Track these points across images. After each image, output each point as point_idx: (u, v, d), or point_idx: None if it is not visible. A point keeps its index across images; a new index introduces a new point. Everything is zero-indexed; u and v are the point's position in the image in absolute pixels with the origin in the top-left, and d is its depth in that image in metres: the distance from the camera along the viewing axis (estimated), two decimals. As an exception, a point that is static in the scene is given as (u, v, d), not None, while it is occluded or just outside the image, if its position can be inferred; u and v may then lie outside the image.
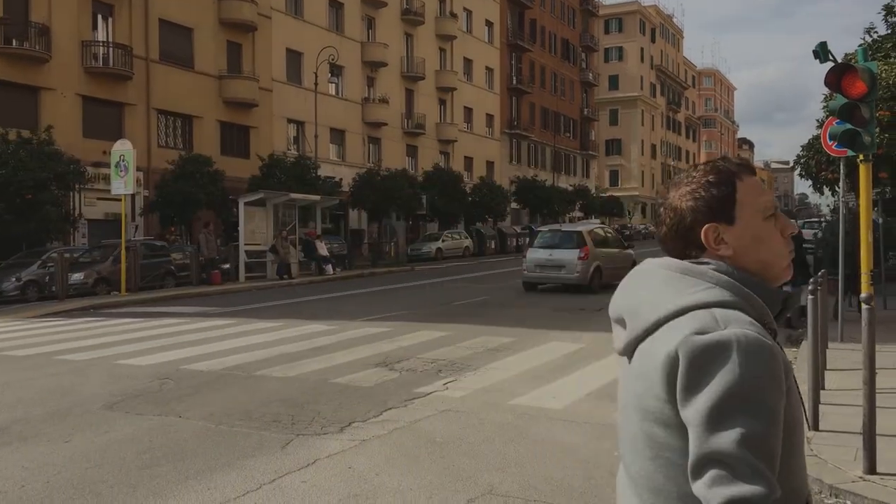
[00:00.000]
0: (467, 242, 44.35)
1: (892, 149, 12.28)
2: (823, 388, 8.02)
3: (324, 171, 37.48)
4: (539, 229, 26.53)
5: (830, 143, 11.35)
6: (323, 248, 30.19)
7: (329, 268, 29.93)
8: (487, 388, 8.93)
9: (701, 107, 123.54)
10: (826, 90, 13.43)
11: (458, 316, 15.79)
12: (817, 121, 15.80)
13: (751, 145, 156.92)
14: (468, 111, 57.13)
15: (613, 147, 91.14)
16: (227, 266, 27.07)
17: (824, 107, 14.45)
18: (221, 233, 30.70)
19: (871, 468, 5.56)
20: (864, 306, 5.72)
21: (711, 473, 1.34)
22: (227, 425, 7.38)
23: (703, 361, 1.39)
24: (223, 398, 8.55)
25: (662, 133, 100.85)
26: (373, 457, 6.36)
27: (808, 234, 38.13)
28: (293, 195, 29.03)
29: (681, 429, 1.42)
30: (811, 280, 8.08)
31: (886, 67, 12.45)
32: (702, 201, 1.58)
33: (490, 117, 60.40)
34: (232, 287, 24.51)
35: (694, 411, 1.38)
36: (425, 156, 50.22)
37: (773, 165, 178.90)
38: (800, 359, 10.08)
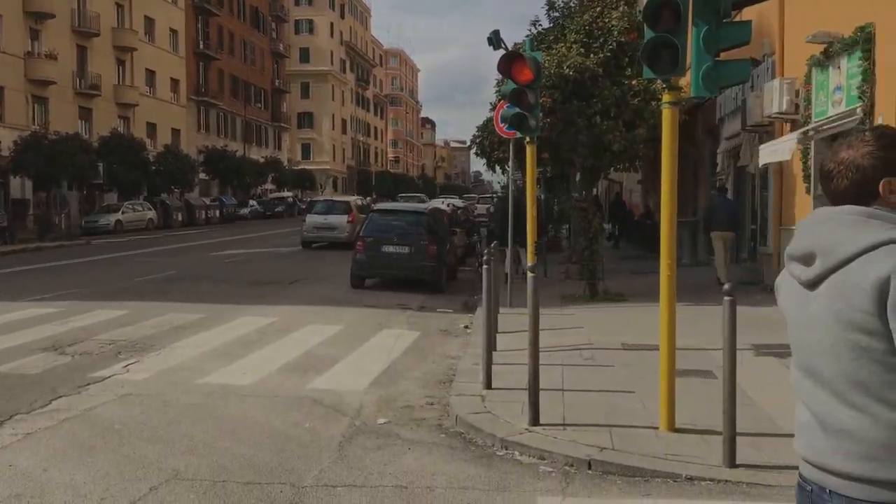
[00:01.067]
0: (151, 214, 41.60)
1: (552, 132, 13.70)
2: (496, 350, 8.75)
3: (-24, 132, 32.80)
4: (315, 199, 32.63)
5: (502, 125, 12.39)
6: (-24, 220, 26.50)
7: (-15, 242, 26.37)
8: (173, 368, 8.49)
9: (388, 85, 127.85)
10: (499, 75, 14.59)
11: (142, 293, 14.80)
12: (490, 104, 17.10)
13: (433, 124, 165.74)
14: (151, 74, 53.35)
15: (305, 120, 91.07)
16: None
17: (496, 91, 15.69)
18: None
19: (535, 420, 6.19)
20: (529, 274, 6.33)
21: None
22: None
23: None
24: None
25: (352, 109, 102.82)
26: (39, 451, 5.73)
27: (482, 208, 41.59)
28: (-64, 158, 25.07)
29: (884, 336, 1.85)
30: (486, 251, 8.75)
31: (549, 58, 13.82)
32: (880, 160, 1.97)
33: (175, 82, 57.00)
34: None
35: None
36: (102, 120, 46.04)
37: (452, 144, 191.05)
38: (475, 324, 10.91)
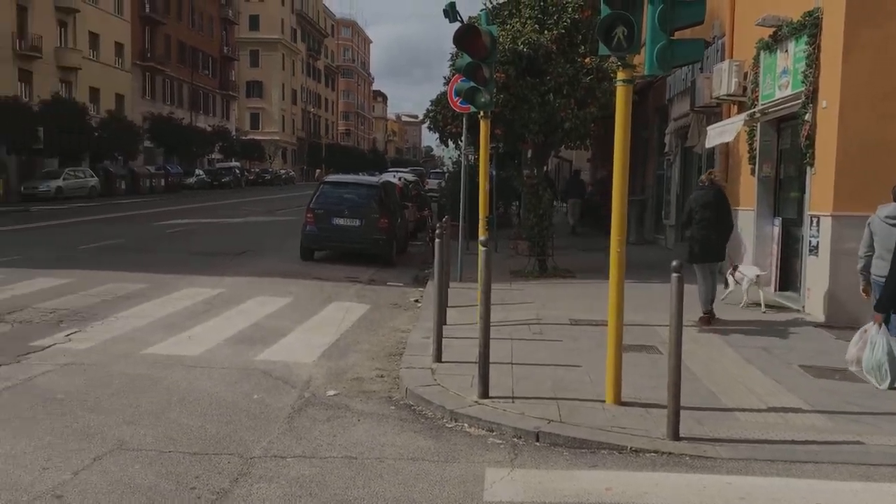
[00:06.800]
0: (93, 181, 40.50)
1: (506, 108, 13.69)
2: (445, 324, 8.79)
3: None
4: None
5: (456, 100, 12.33)
6: None
7: (-83, 207, 25.38)
8: (118, 338, 8.32)
9: (340, 56, 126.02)
10: (454, 49, 14.51)
11: (85, 261, 14.43)
12: (444, 78, 16.99)
13: (384, 98, 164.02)
14: (94, 37, 51.59)
15: (254, 89, 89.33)
16: None
17: (451, 65, 15.60)
18: None
19: (484, 393, 6.24)
20: (481, 249, 6.34)
21: None
22: None
23: None
24: None
25: (303, 79, 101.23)
26: (-23, 421, 5.58)
27: (434, 183, 41.51)
28: None
29: None
30: (438, 225, 8.74)
31: (503, 33, 13.78)
32: None
33: (120, 46, 55.27)
34: None
35: None
36: (42, 83, 44.44)
37: (404, 119, 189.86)
38: (432, 297, 10.92)
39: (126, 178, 44.35)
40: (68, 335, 8.37)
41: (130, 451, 5.10)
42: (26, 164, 40.68)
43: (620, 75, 6.11)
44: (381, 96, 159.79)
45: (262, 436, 5.49)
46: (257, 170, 72.38)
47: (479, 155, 12.70)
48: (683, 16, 5.99)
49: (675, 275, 5.37)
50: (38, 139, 37.37)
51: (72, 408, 5.95)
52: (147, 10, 58.92)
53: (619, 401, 6.15)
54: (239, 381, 6.87)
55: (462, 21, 9.70)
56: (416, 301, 11.51)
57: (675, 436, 5.39)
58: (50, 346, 7.85)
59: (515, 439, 5.53)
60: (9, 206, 31.49)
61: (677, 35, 6.18)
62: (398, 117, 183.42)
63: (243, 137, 75.04)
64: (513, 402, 6.18)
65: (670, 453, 5.23)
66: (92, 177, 40.91)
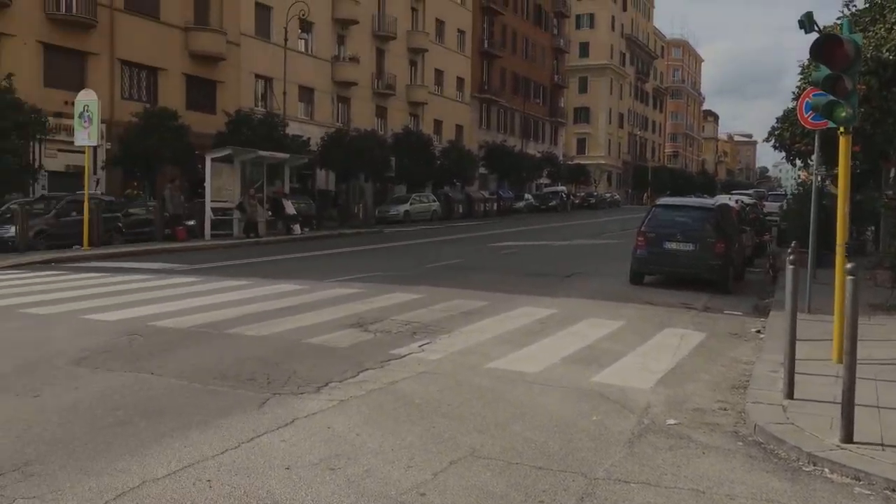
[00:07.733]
0: (435, 206, 44.15)
1: (866, 123, 12.37)
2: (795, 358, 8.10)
3: (291, 129, 36.85)
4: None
5: (807, 116, 11.40)
6: (290, 207, 29.80)
7: (297, 227, 29.59)
8: (463, 351, 8.89)
9: (669, 77, 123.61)
10: (804, 62, 13.48)
11: (431, 278, 15.71)
12: (793, 92, 15.84)
13: (715, 117, 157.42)
14: (439, 74, 56.47)
15: (581, 115, 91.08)
16: (192, 223, 26.58)
17: (802, 78, 14.48)
18: (186, 189, 30.08)
19: (848, 437, 5.63)
20: (848, 278, 5.74)
21: None
22: (200, 383, 7.24)
23: None
24: (195, 356, 8.39)
25: (630, 102, 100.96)
26: (352, 417, 6.29)
27: (773, 206, 38.74)
28: (261, 153, 28.47)
29: None
30: (789, 251, 8.13)
31: (864, 41, 12.48)
32: None
33: (461, 81, 59.78)
34: (197, 244, 24.10)
35: None
36: (395, 117, 49.63)
37: (736, 138, 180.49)
38: (775, 329, 10.18)
39: (463, 203, 47.64)
40: (421, 346, 9.12)
41: (481, 458, 5.39)
42: (380, 190, 45.53)
43: None
44: (711, 115, 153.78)
45: (603, 458, 5.49)
46: (582, 193, 73.57)
47: (839, 174, 11.57)
48: None
49: None
50: (391, 168, 41.66)
51: (428, 413, 6.46)
52: (486, 45, 62.95)
53: None
54: (577, 401, 6.95)
55: (819, 31, 8.94)
56: (758, 332, 10.79)
57: None
58: (407, 355, 8.61)
59: (888, 492, 4.90)
60: (366, 227, 35.44)
61: None
62: (730, 137, 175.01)
63: (569, 162, 76.73)
64: (882, 449, 5.49)
65: None
66: (434, 201, 44.55)
